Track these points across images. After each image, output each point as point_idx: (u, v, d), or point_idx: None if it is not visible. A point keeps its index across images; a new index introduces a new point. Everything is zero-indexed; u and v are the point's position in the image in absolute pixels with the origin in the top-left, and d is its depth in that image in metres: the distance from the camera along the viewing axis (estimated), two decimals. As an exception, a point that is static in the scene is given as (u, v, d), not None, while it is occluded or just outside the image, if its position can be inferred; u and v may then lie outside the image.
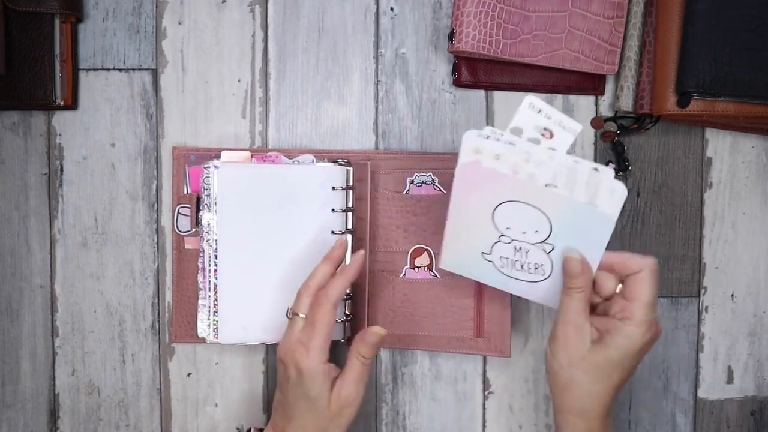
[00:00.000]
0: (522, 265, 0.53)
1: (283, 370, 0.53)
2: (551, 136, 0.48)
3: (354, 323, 0.61)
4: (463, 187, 0.52)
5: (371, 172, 0.60)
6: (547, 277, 0.52)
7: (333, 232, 0.58)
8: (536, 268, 0.52)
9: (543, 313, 0.64)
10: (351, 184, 0.60)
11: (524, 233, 0.52)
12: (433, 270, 0.61)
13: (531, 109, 0.49)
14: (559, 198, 0.49)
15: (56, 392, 0.63)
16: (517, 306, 0.63)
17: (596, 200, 0.49)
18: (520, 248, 0.53)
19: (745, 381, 0.66)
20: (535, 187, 0.49)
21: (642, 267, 0.49)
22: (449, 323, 0.61)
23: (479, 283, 0.60)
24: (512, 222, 0.52)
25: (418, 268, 0.61)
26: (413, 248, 0.61)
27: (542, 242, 0.52)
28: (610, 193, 0.48)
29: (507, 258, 0.54)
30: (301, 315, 0.53)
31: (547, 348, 0.52)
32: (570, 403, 0.51)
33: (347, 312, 0.60)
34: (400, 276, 0.61)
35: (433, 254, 0.61)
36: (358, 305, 0.61)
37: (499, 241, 0.53)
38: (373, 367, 0.63)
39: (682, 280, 0.65)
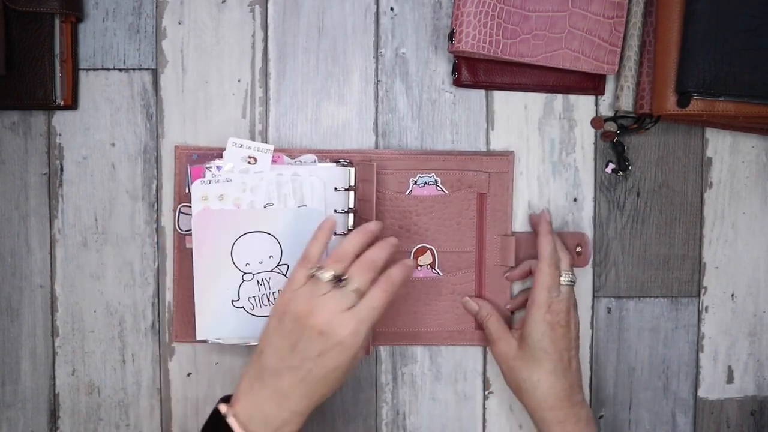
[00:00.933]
0: (268, 298, 0.59)
1: (318, 337, 0.48)
2: (255, 161, 0.58)
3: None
4: (202, 238, 0.58)
5: (373, 172, 0.61)
6: None
7: (335, 234, 0.58)
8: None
9: (543, 313, 0.64)
10: (353, 184, 0.60)
11: (261, 263, 0.58)
12: (436, 268, 0.61)
13: (234, 147, 0.58)
14: (277, 213, 0.58)
15: (56, 392, 0.63)
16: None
17: (305, 201, 0.58)
18: (262, 280, 0.58)
19: (745, 381, 0.66)
20: (257, 211, 0.58)
21: (540, 254, 0.57)
22: (451, 318, 0.62)
23: (480, 277, 0.61)
24: (249, 255, 0.58)
25: (421, 266, 0.61)
26: (416, 247, 0.61)
27: (278, 266, 0.58)
28: (311, 190, 0.57)
29: (254, 296, 0.59)
30: (356, 287, 0.50)
31: (499, 365, 0.59)
32: (527, 402, 0.57)
33: None
34: None
35: (435, 253, 0.61)
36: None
37: (243, 281, 0.58)
38: (372, 367, 0.63)
39: (682, 280, 0.65)
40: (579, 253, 0.55)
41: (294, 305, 0.50)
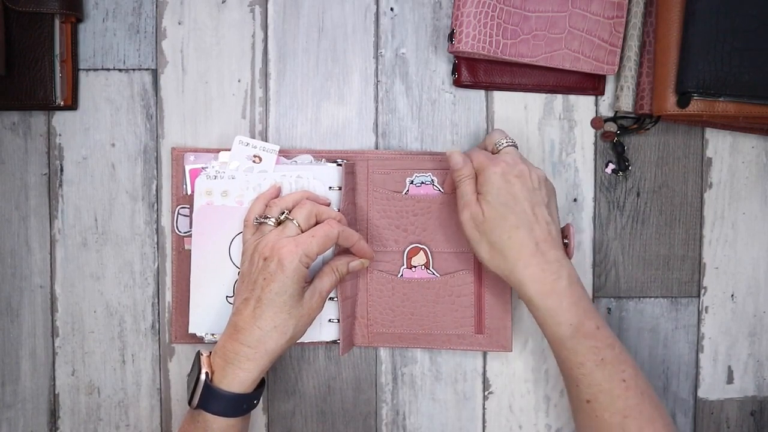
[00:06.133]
0: None
1: (263, 264, 0.52)
2: (260, 160, 0.59)
3: (352, 323, 0.62)
4: (202, 232, 0.59)
5: (368, 172, 0.61)
6: None
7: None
8: None
9: (543, 313, 0.64)
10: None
11: None
12: (431, 269, 0.61)
13: (240, 145, 0.59)
14: None
15: (56, 392, 0.63)
16: (517, 306, 0.63)
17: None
18: None
19: (745, 381, 0.66)
20: None
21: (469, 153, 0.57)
22: (450, 321, 0.61)
23: (479, 279, 0.61)
24: None
25: (415, 267, 0.61)
26: (409, 248, 0.61)
27: None
28: (312, 191, 0.58)
29: None
30: (297, 222, 0.54)
31: (469, 239, 0.55)
32: (504, 266, 0.53)
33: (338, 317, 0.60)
34: (398, 276, 0.61)
35: (429, 253, 0.61)
36: (358, 303, 0.61)
37: (237, 278, 0.57)
38: (373, 367, 0.63)
39: (682, 280, 0.65)
40: (566, 245, 0.55)
41: (247, 246, 0.55)
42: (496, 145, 0.57)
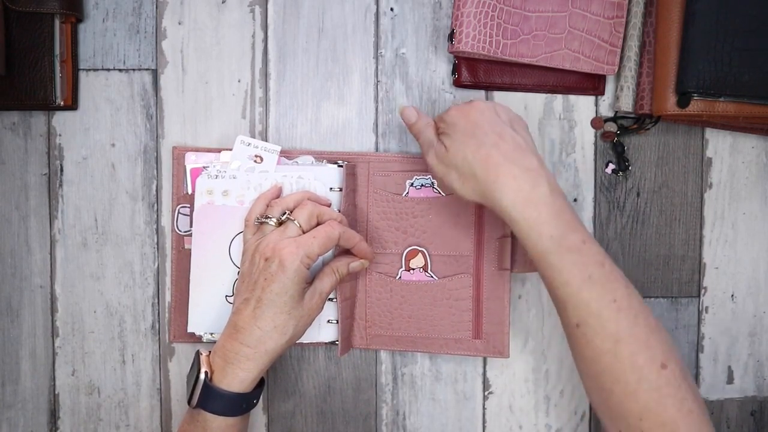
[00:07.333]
0: None
1: (264, 264, 0.52)
2: (261, 160, 0.59)
3: (351, 324, 0.61)
4: (203, 231, 0.59)
5: (369, 174, 0.61)
6: None
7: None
8: None
9: (543, 313, 0.64)
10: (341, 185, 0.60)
11: None
12: (429, 271, 0.61)
13: (242, 144, 0.59)
14: None
15: (56, 392, 0.63)
16: (516, 306, 0.63)
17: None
18: None
19: (745, 381, 0.66)
20: None
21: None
22: (447, 325, 0.61)
23: (477, 283, 0.61)
24: None
25: (413, 269, 0.61)
26: (407, 250, 0.61)
27: None
28: (314, 192, 0.58)
29: None
30: (298, 223, 0.54)
31: (439, 177, 0.53)
32: (474, 188, 0.50)
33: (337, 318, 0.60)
34: (396, 278, 0.61)
35: (428, 256, 0.61)
36: (357, 305, 0.61)
37: (238, 277, 0.57)
38: (373, 367, 0.63)
39: (682, 280, 0.65)
40: None
41: (248, 246, 0.55)
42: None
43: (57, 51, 0.59)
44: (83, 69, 0.62)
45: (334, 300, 0.59)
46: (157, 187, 0.62)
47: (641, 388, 0.46)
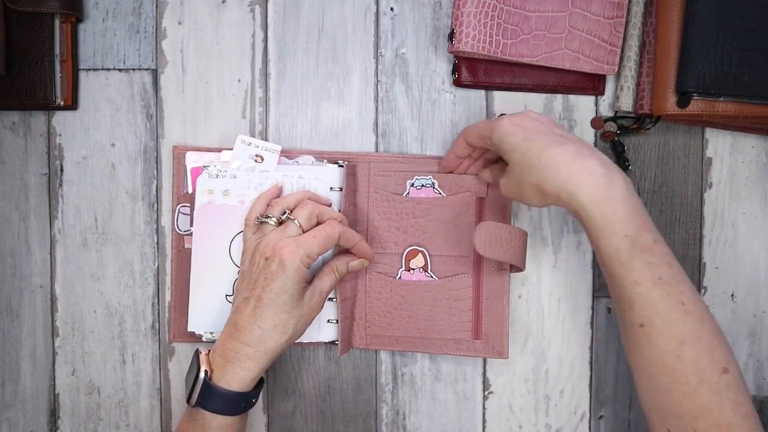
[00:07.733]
0: None
1: (264, 263, 0.52)
2: (262, 160, 0.59)
3: (351, 324, 0.61)
4: (203, 230, 0.59)
5: (370, 174, 0.61)
6: None
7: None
8: None
9: (543, 313, 0.64)
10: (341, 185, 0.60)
11: None
12: (429, 271, 0.61)
13: (243, 144, 0.59)
14: None
15: (56, 392, 0.63)
16: (516, 306, 0.63)
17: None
18: None
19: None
20: None
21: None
22: (447, 325, 0.61)
23: (477, 284, 0.61)
24: None
25: (413, 269, 0.61)
26: (408, 250, 0.61)
27: None
28: (315, 191, 0.59)
29: None
30: (298, 223, 0.54)
31: (516, 199, 0.53)
32: (548, 192, 0.49)
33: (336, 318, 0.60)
34: (396, 278, 0.61)
35: (428, 256, 0.61)
36: (357, 305, 0.61)
37: (238, 276, 0.57)
38: (373, 367, 0.63)
39: (682, 280, 0.65)
40: None
41: (248, 245, 0.55)
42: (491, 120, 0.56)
43: (57, 51, 0.59)
44: (83, 69, 0.62)
45: (334, 300, 0.59)
46: (157, 186, 0.62)
47: (701, 389, 0.46)
